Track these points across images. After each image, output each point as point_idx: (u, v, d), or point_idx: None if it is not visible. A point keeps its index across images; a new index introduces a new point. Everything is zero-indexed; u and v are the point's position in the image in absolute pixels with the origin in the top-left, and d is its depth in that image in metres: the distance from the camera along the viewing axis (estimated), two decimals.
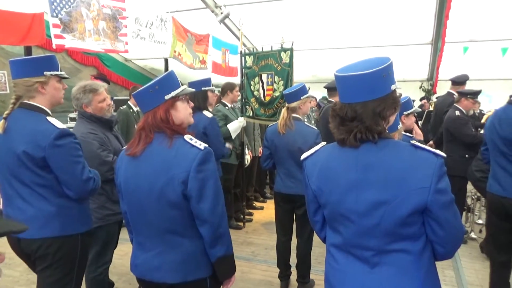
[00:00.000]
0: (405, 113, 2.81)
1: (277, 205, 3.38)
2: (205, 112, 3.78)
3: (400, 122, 2.48)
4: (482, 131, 3.71)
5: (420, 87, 9.68)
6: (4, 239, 1.76)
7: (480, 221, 4.87)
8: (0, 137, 1.98)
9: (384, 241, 1.32)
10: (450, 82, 5.05)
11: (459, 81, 4.85)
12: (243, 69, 4.83)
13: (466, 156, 4.23)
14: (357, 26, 7.06)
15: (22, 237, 1.97)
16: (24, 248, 2.02)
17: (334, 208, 1.40)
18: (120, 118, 4.76)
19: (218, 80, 6.97)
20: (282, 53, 4.31)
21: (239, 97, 4.96)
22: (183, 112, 1.72)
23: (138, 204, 1.66)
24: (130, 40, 5.71)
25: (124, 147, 1.78)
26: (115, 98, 3.56)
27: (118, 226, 2.77)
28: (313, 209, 1.56)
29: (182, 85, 1.74)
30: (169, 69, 2.20)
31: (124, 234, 2.41)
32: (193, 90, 1.83)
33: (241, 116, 4.75)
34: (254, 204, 5.91)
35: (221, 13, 6.52)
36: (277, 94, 4.43)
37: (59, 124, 2.00)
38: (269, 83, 4.50)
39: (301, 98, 3.14)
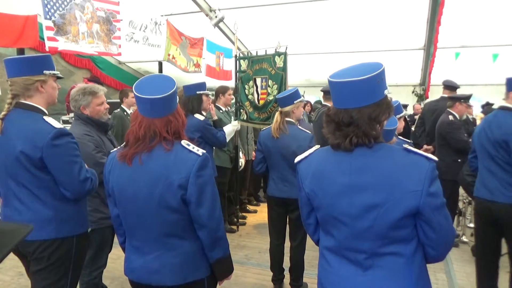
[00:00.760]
0: (396, 116, 2.84)
1: (270, 209, 3.39)
2: (197, 115, 3.80)
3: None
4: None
5: (413, 92, 9.78)
6: None
7: (471, 225, 4.91)
8: None
9: (377, 244, 1.33)
10: (442, 87, 5.10)
11: (453, 86, 4.91)
12: (237, 73, 4.84)
13: (459, 160, 4.26)
14: (350, 31, 7.12)
15: None
16: (21, 249, 2.01)
17: (327, 211, 1.41)
18: (115, 122, 4.74)
19: (212, 83, 6.98)
20: (276, 57, 4.33)
21: (233, 101, 4.97)
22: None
23: (136, 209, 1.65)
24: (123, 43, 5.71)
25: (113, 149, 1.78)
26: (108, 101, 3.55)
27: (112, 229, 2.75)
28: (307, 212, 1.57)
29: (178, 88, 1.75)
30: (163, 72, 2.20)
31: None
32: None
33: (235, 120, 4.76)
34: (247, 208, 5.92)
35: (216, 17, 6.54)
36: (271, 98, 4.45)
37: (56, 124, 1.99)
38: (263, 87, 4.52)
39: (295, 102, 3.16)
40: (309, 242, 2.62)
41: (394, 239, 1.32)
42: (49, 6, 4.73)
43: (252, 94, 4.64)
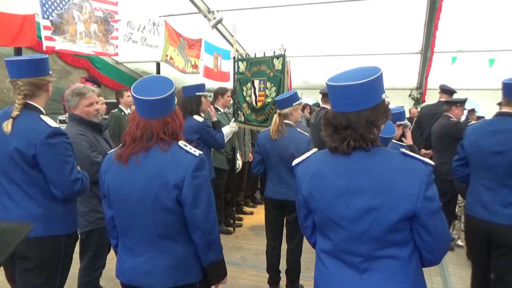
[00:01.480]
0: (398, 123, 2.85)
1: (267, 211, 3.39)
2: (196, 117, 3.78)
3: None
4: None
5: (410, 96, 9.81)
6: None
7: None
8: None
9: (373, 247, 1.34)
10: (438, 91, 5.14)
11: (450, 90, 4.96)
12: (235, 75, 4.85)
13: None
14: (348, 34, 7.14)
15: None
16: None
17: (324, 213, 1.41)
18: (112, 122, 4.73)
19: (210, 84, 6.98)
20: (275, 59, 4.34)
21: (231, 102, 4.97)
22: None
23: (130, 208, 1.64)
24: (121, 43, 5.69)
25: (111, 150, 1.77)
26: (105, 101, 3.54)
27: None
28: (304, 214, 1.57)
29: (176, 88, 1.74)
30: (161, 73, 2.21)
31: None
32: None
33: (233, 121, 4.76)
34: (244, 209, 5.91)
35: (214, 18, 6.54)
36: (269, 100, 4.46)
37: (52, 123, 2.00)
38: (261, 89, 4.53)
39: (293, 104, 3.17)
40: (306, 244, 2.62)
41: (390, 243, 1.33)
42: (47, 6, 4.72)
43: (250, 96, 4.64)
